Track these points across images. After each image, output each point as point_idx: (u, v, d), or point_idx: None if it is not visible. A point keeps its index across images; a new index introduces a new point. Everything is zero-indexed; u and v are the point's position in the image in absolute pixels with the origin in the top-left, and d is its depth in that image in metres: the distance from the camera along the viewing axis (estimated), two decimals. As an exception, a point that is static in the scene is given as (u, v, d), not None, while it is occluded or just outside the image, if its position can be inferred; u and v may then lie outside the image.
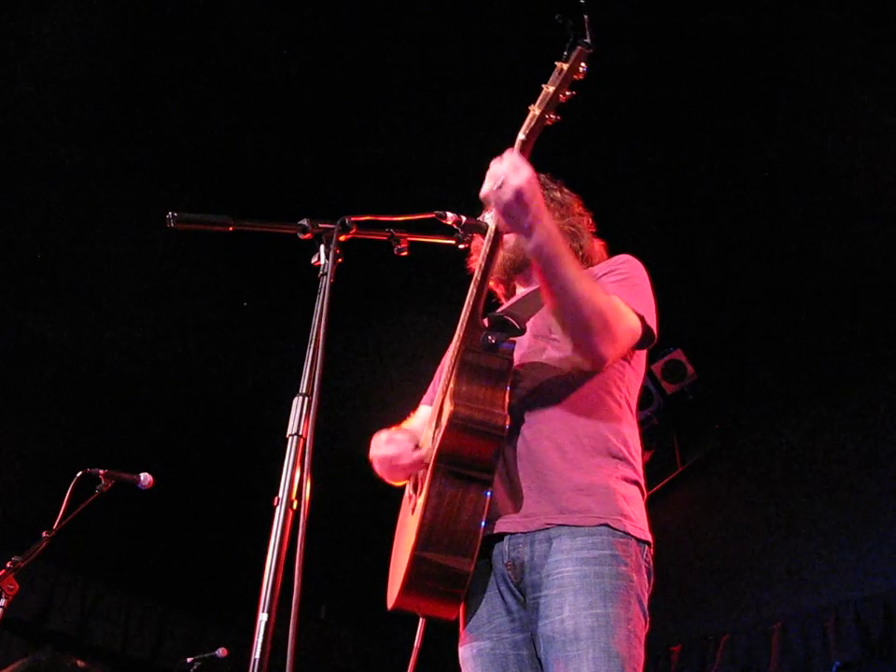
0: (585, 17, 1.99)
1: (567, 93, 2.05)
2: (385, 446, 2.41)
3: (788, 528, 5.87)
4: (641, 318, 2.28)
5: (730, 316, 5.92)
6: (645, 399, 6.26)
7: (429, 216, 2.23)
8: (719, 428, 6.50)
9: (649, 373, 6.00)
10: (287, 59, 4.94)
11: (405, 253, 2.16)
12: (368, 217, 2.12)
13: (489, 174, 2.04)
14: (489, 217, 2.42)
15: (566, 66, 2.03)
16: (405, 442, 2.40)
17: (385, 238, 2.16)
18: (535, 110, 2.07)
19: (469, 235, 2.33)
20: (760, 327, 5.95)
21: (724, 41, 4.65)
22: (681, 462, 6.60)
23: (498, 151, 2.12)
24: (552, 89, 2.05)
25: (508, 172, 2.01)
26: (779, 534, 5.91)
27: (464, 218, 2.29)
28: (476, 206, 2.73)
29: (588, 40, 2.01)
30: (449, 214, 2.26)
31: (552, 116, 2.07)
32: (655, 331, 2.33)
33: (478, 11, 4.70)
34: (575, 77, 2.04)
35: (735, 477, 6.46)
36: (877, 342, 5.63)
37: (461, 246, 2.33)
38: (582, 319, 2.13)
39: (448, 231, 2.30)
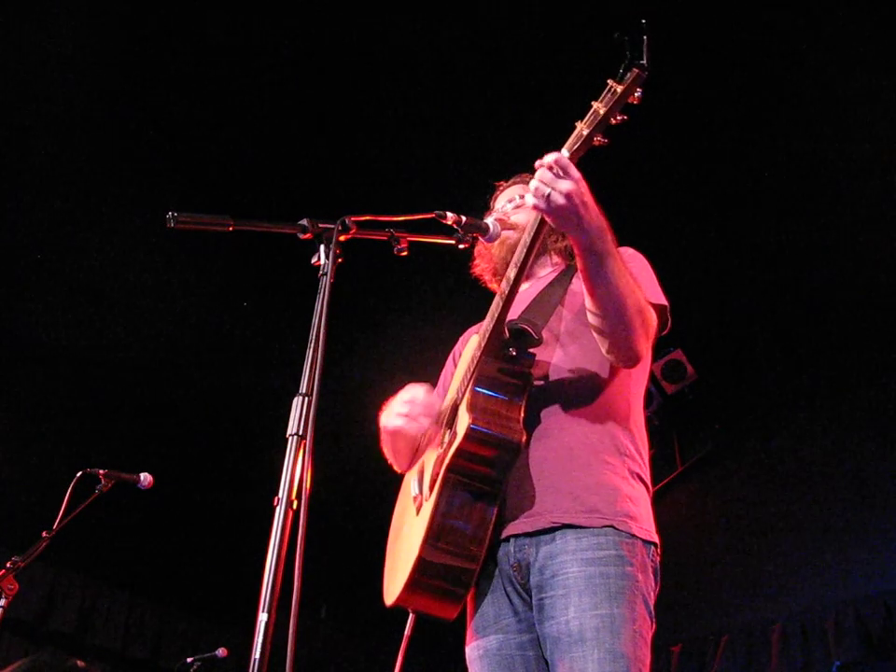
0: (645, 38, 1.87)
1: (619, 117, 1.93)
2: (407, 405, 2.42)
3: (788, 528, 5.87)
4: (662, 308, 2.32)
5: (730, 316, 5.92)
6: (645, 399, 6.25)
7: (429, 216, 2.22)
8: (719, 428, 6.50)
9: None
10: (287, 58, 4.94)
11: (405, 253, 2.15)
12: (368, 217, 2.11)
13: (537, 179, 2.00)
14: (490, 220, 2.42)
15: (620, 88, 1.90)
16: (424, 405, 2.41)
17: (385, 238, 2.15)
18: (583, 129, 1.95)
19: (470, 235, 2.33)
20: (760, 327, 5.95)
21: (732, 43, 4.65)
22: (681, 462, 6.60)
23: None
24: (603, 110, 1.92)
25: (556, 177, 1.98)
26: (779, 534, 5.91)
27: (464, 218, 2.29)
28: (476, 206, 2.73)
29: (645, 62, 1.88)
30: (449, 214, 2.25)
31: (600, 138, 1.96)
32: (669, 315, 2.36)
33: (478, 12, 4.70)
34: (629, 100, 1.91)
35: (735, 477, 6.45)
36: (877, 342, 5.63)
37: (461, 246, 2.32)
38: (625, 318, 2.14)
39: (448, 231, 2.29)
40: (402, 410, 2.41)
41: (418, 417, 2.38)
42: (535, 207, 2.02)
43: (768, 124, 4.99)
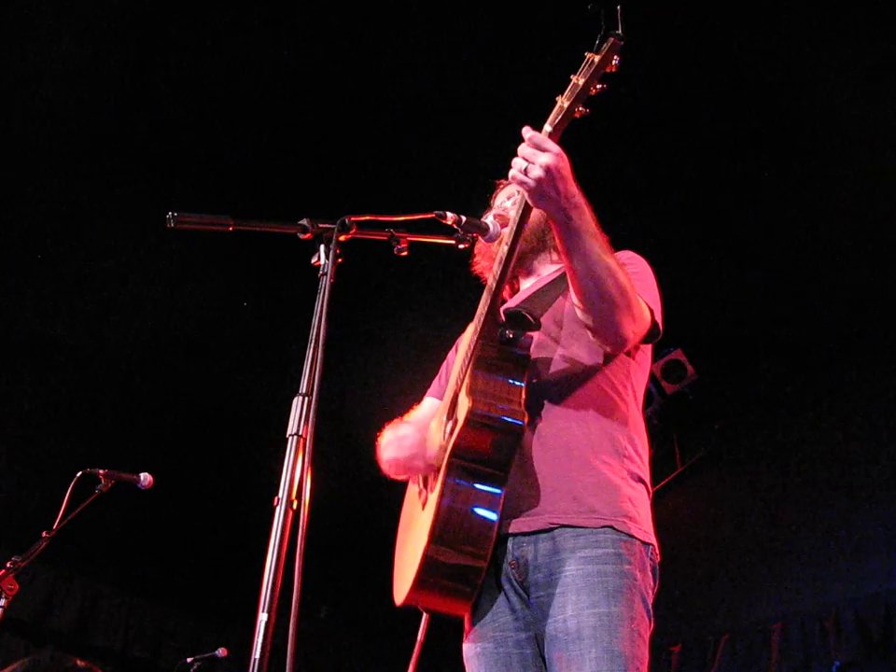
0: (619, 8, 1.90)
1: (598, 86, 1.96)
2: (398, 448, 2.38)
3: (788, 528, 5.87)
4: (651, 312, 2.30)
5: (730, 316, 5.92)
6: (645, 399, 6.25)
7: (429, 216, 2.22)
8: (719, 428, 6.51)
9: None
10: (287, 58, 4.94)
11: (405, 253, 2.15)
12: (368, 217, 2.11)
13: (517, 155, 2.02)
14: (490, 219, 2.41)
15: (597, 58, 1.93)
16: (418, 444, 2.36)
17: (385, 238, 2.15)
18: (563, 102, 1.99)
19: (470, 235, 2.32)
20: (760, 327, 5.95)
21: (730, 42, 4.65)
22: (681, 462, 6.61)
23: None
24: (581, 80, 1.95)
25: (536, 150, 2.00)
26: (779, 534, 5.91)
27: (464, 218, 2.29)
28: (476, 206, 2.73)
29: (621, 32, 1.91)
30: (449, 214, 2.25)
31: (580, 109, 1.98)
32: (661, 327, 2.34)
33: (477, 11, 4.70)
34: (607, 69, 1.94)
35: (735, 477, 6.46)
36: (877, 342, 5.63)
37: (461, 246, 2.32)
38: (608, 294, 2.12)
39: (448, 231, 2.29)
40: (404, 447, 2.37)
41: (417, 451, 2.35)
42: (513, 179, 2.05)
43: (770, 123, 4.99)
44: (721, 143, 5.07)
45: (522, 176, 2.01)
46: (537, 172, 1.99)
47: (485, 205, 2.81)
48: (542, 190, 2.01)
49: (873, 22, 4.41)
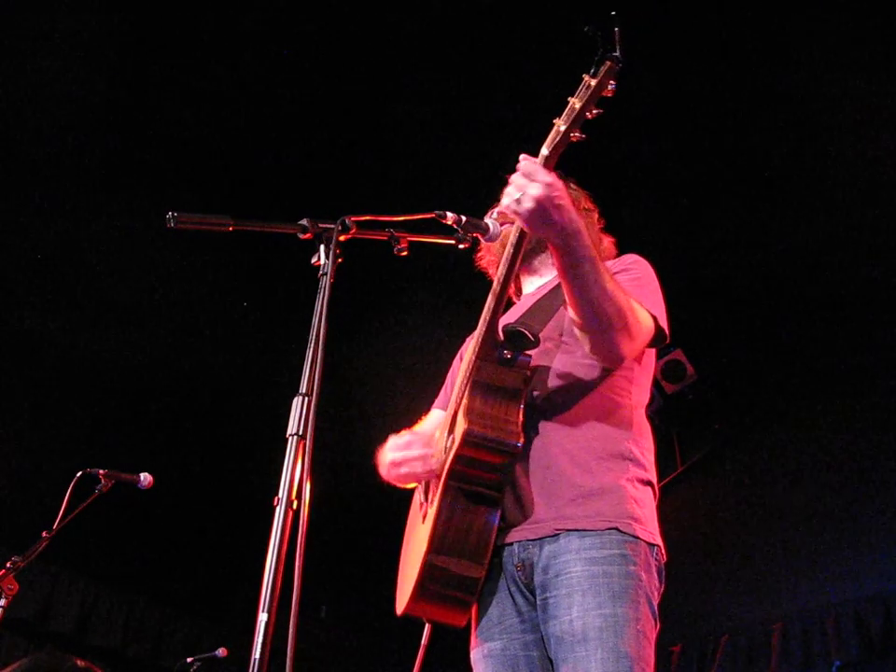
0: (616, 30, 1.88)
1: (595, 111, 1.95)
2: (405, 449, 2.39)
3: (787, 528, 5.87)
4: (654, 318, 2.30)
5: (730, 316, 5.92)
6: (645, 399, 6.27)
7: (429, 216, 2.22)
8: (719, 428, 6.50)
9: (649, 373, 5.99)
10: (287, 58, 4.95)
11: (405, 253, 2.15)
12: (368, 217, 2.11)
13: (509, 186, 2.03)
14: (490, 220, 2.41)
15: (593, 82, 1.92)
16: (424, 447, 2.38)
17: (385, 238, 2.15)
18: (560, 125, 1.98)
19: (470, 235, 2.32)
20: (760, 327, 5.95)
21: (730, 39, 4.65)
22: (681, 462, 6.60)
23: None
24: (578, 105, 1.94)
25: (525, 182, 2.00)
26: (779, 534, 5.91)
27: (464, 218, 2.28)
28: (476, 206, 2.73)
29: (618, 54, 1.89)
30: (449, 214, 2.25)
31: (577, 133, 1.98)
32: (667, 331, 2.34)
33: (478, 13, 4.70)
34: (603, 93, 1.93)
35: (735, 477, 6.45)
36: (877, 343, 5.63)
37: (461, 246, 2.32)
38: (604, 317, 2.13)
39: (448, 231, 2.29)
40: (412, 449, 2.38)
41: (418, 457, 2.36)
42: (506, 209, 2.05)
43: (768, 123, 4.99)
44: (721, 144, 5.07)
45: (514, 206, 2.02)
46: (528, 204, 1.99)
47: (487, 205, 2.81)
48: (535, 221, 2.02)
49: (878, 25, 4.41)
